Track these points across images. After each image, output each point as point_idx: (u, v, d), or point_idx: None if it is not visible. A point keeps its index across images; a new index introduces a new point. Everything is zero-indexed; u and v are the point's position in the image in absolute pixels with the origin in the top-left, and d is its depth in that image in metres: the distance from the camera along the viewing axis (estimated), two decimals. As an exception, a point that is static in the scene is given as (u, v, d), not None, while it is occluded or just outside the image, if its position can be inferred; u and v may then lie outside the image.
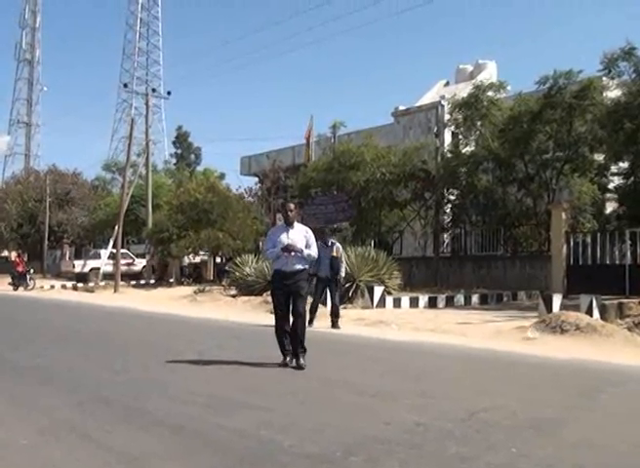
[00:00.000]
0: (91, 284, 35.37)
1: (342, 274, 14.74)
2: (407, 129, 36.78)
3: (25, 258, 38.25)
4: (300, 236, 8.89)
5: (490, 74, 38.79)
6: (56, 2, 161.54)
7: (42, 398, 6.80)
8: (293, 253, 8.70)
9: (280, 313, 8.83)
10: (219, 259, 38.19)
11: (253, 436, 5.19)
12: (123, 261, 36.29)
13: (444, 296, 20.57)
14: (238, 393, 6.89)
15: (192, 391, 7.01)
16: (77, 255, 48.52)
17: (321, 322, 14.24)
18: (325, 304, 15.42)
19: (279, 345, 8.79)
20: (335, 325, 14.23)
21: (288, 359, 8.63)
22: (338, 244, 14.82)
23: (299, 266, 8.80)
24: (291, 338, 8.68)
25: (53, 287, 35.10)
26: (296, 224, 9.07)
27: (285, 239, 8.76)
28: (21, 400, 6.75)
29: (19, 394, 7.04)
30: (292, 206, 9.17)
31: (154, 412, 6.05)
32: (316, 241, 14.17)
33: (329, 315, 14.52)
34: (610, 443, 5.18)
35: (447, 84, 42.88)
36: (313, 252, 9.04)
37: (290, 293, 8.76)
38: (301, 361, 8.50)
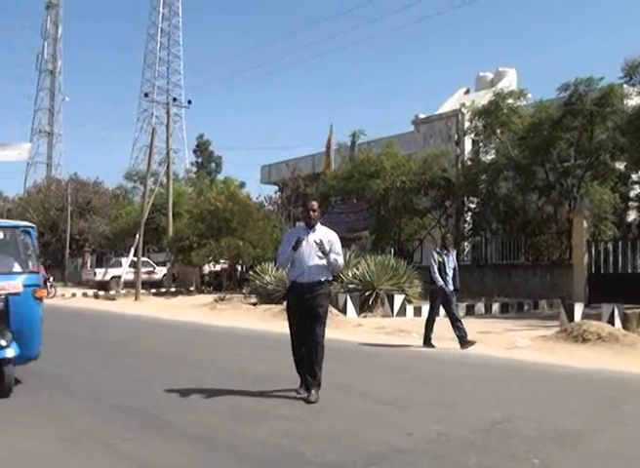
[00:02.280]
0: (112, 292, 35.52)
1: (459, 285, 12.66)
2: (427, 137, 36.71)
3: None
4: (322, 241, 7.29)
5: (510, 82, 38.66)
6: (77, 13, 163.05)
7: (63, 406, 6.84)
8: (313, 261, 7.21)
9: (298, 333, 7.32)
10: (239, 268, 38.24)
11: (274, 445, 5.20)
12: (144, 270, 36.43)
13: (464, 305, 20.47)
14: (260, 402, 6.89)
15: (213, 400, 7.02)
16: (98, 264, 48.73)
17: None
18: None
19: (297, 369, 7.39)
20: (463, 342, 11.83)
21: (312, 394, 7.07)
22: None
23: (319, 277, 7.26)
24: (305, 367, 7.26)
25: (74, 295, 35.28)
26: (318, 227, 7.48)
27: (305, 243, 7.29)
28: (43, 408, 6.79)
29: (39, 402, 7.08)
30: (315, 204, 7.56)
31: (176, 422, 6.06)
32: (442, 248, 12.43)
33: (456, 334, 11.96)
34: (634, 454, 5.14)
35: (467, 92, 42.78)
36: (340, 258, 7.47)
37: (307, 311, 7.20)
38: (313, 395, 7.03)
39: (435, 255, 12.25)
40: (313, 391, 7.05)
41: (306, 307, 7.19)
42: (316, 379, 7.14)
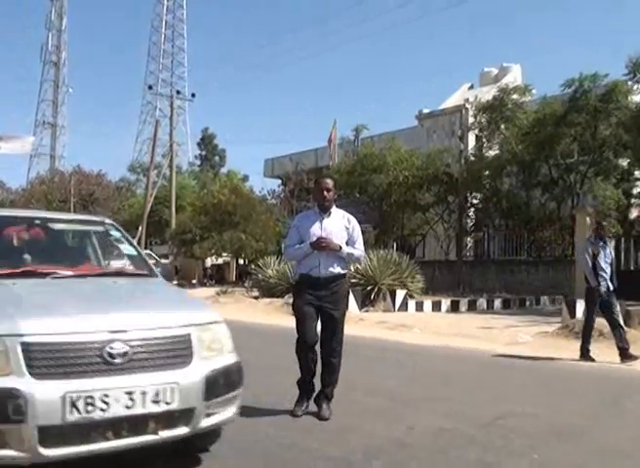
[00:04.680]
0: (114, 284, 35.55)
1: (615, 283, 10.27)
2: (431, 132, 36.68)
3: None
4: (339, 227, 6.09)
5: (514, 77, 38.61)
6: (82, 4, 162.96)
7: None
8: (328, 251, 5.94)
9: (307, 333, 5.95)
10: (241, 261, 38.30)
11: (275, 438, 5.22)
12: (146, 262, 36.47)
13: (466, 300, 20.52)
14: (264, 396, 6.91)
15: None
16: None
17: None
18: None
19: (300, 385, 6.20)
20: (625, 354, 9.83)
21: (305, 405, 6.11)
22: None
23: (337, 270, 6.03)
24: (321, 376, 6.13)
25: (77, 287, 35.34)
26: (334, 211, 6.19)
27: (318, 231, 6.01)
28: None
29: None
30: (329, 182, 6.18)
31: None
32: (597, 238, 10.21)
33: (616, 344, 10.03)
34: (635, 451, 5.15)
35: (471, 87, 42.73)
36: (358, 250, 6.16)
37: (320, 312, 5.97)
38: (325, 410, 5.96)
39: (590, 248, 10.18)
40: (324, 405, 6.00)
41: (322, 307, 5.96)
42: (329, 389, 6.10)
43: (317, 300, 5.94)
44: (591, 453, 5.01)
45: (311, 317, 5.94)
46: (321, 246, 5.89)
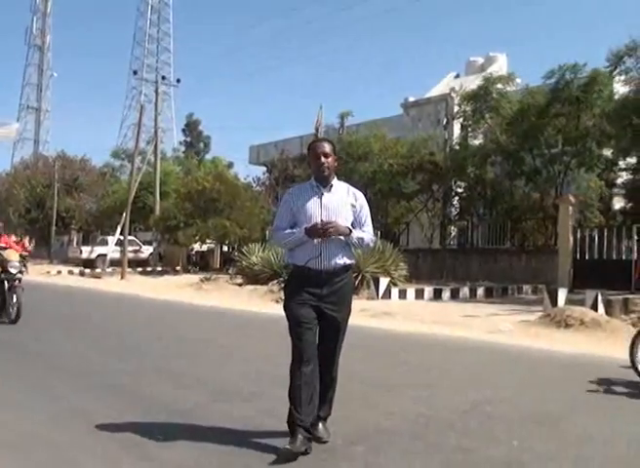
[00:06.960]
0: (98, 270, 35.46)
1: None
2: (416, 120, 36.70)
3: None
4: (343, 205, 4.75)
5: (500, 67, 38.66)
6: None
7: (51, 384, 6.88)
8: (332, 236, 4.61)
9: (303, 349, 4.65)
10: (225, 248, 38.25)
11: (257, 424, 5.26)
12: (130, 248, 36.39)
13: (449, 289, 20.57)
14: (244, 381, 6.95)
15: (199, 378, 7.09)
16: (84, 242, 48.62)
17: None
18: None
19: (292, 409, 4.67)
20: None
21: (299, 442, 4.44)
22: None
23: (343, 260, 4.74)
24: (317, 396, 4.78)
25: (60, 272, 35.24)
26: (336, 183, 4.84)
27: (317, 209, 4.68)
28: (31, 385, 6.81)
29: (27, 380, 7.11)
30: (327, 146, 4.80)
31: (161, 399, 6.12)
32: None
33: None
34: (611, 438, 5.23)
35: (457, 76, 42.76)
36: (368, 234, 4.83)
37: (320, 315, 4.67)
38: (321, 431, 4.80)
39: None
40: (321, 425, 4.83)
41: (322, 309, 4.67)
42: (326, 407, 4.97)
43: (317, 300, 4.65)
44: (570, 440, 5.08)
45: (311, 323, 4.65)
46: (321, 232, 4.56)
